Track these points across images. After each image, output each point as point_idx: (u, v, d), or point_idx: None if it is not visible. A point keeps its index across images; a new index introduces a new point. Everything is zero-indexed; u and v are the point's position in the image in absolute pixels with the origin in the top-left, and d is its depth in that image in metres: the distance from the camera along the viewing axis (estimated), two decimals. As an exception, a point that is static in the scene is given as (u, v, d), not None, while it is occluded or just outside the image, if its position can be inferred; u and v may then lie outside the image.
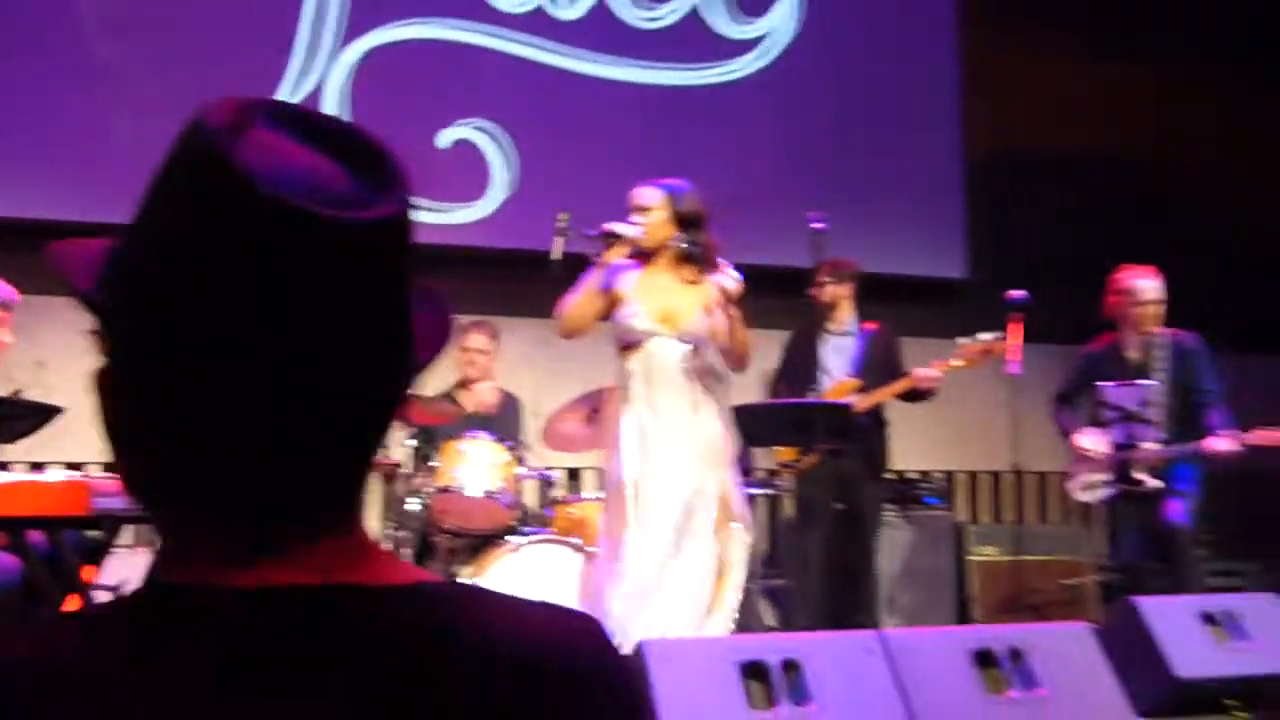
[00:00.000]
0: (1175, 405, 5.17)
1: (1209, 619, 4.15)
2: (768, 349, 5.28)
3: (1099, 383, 5.23)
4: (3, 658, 0.67)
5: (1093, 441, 5.22)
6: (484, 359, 5.43)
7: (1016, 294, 5.22)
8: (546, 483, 5.18)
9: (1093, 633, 3.78)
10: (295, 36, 6.18)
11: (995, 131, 7.18)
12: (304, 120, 0.74)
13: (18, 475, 3.54)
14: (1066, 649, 3.62)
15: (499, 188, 6.38)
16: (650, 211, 3.91)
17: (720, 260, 3.95)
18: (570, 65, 6.58)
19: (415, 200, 0.74)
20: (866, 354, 5.50)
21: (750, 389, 5.76)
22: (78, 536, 3.37)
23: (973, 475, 7.19)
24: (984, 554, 6.31)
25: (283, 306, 0.68)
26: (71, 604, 3.20)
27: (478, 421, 5.23)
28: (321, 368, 0.70)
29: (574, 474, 6.09)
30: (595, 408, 4.52)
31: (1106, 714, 3.53)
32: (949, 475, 6.98)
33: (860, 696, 3.27)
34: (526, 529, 4.91)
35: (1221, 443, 4.93)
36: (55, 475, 3.30)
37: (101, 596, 3.43)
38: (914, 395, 5.42)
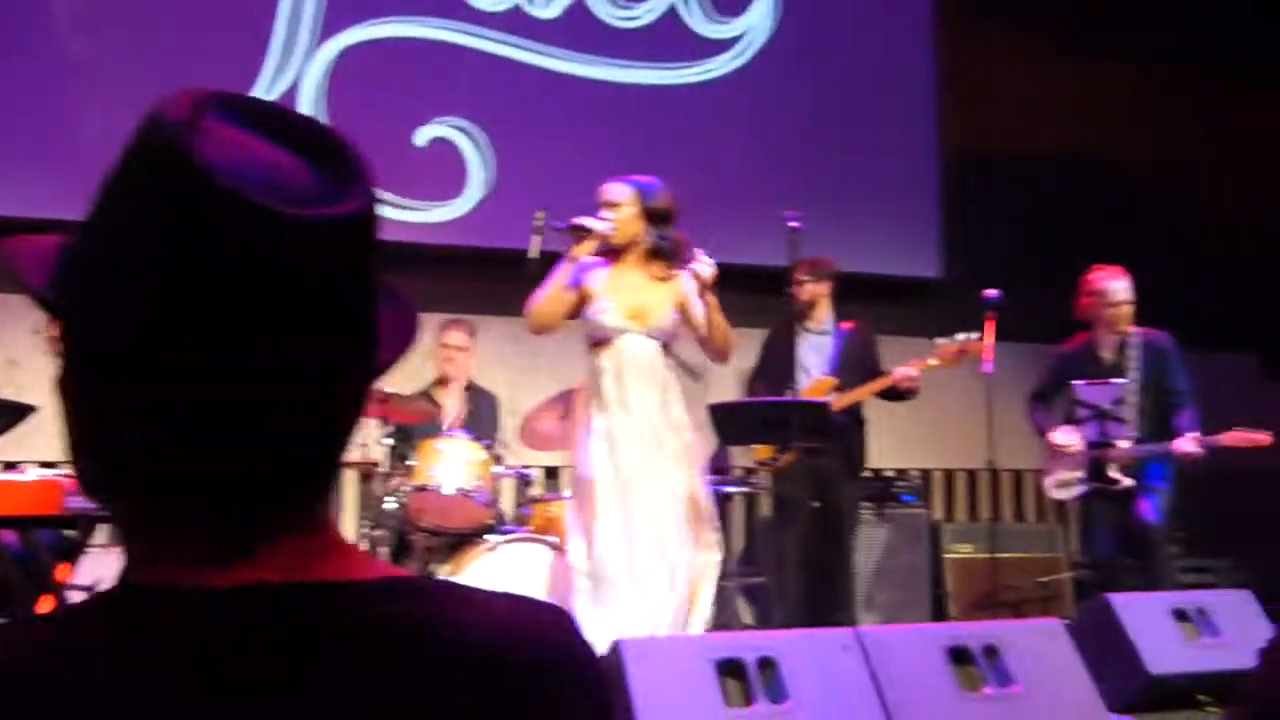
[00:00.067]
0: (1147, 403, 5.23)
1: (1181, 615, 4.19)
2: (745, 347, 5.29)
3: (1073, 381, 5.29)
4: None
5: (1067, 438, 5.26)
6: (463, 356, 5.44)
7: (991, 293, 5.26)
8: (524, 481, 5.17)
9: (1066, 629, 3.81)
10: (271, 34, 6.15)
11: (970, 131, 7.21)
12: (265, 115, 0.72)
13: (-10, 475, 3.51)
14: (1040, 646, 3.65)
15: (476, 186, 6.36)
16: (619, 207, 3.92)
17: (696, 249, 3.96)
18: (548, 64, 6.58)
19: (380, 197, 0.73)
20: (844, 353, 5.52)
21: (728, 387, 5.78)
22: (52, 536, 3.34)
23: (949, 473, 7.22)
24: (960, 551, 6.34)
25: (244, 304, 0.67)
26: (45, 604, 3.18)
27: (456, 419, 5.23)
28: (284, 366, 0.69)
29: (551, 472, 6.09)
30: (571, 406, 4.52)
31: (1080, 710, 3.56)
32: (925, 473, 7.01)
33: (836, 694, 3.28)
34: (504, 527, 4.91)
35: (1189, 445, 4.99)
36: (29, 474, 3.28)
37: (76, 596, 3.41)
38: (893, 394, 5.45)
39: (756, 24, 7.01)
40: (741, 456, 6.04)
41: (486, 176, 6.37)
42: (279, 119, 0.73)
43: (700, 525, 3.91)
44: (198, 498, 0.70)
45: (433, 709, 0.68)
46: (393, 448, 4.88)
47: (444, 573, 4.66)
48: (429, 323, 5.53)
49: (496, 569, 4.56)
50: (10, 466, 3.83)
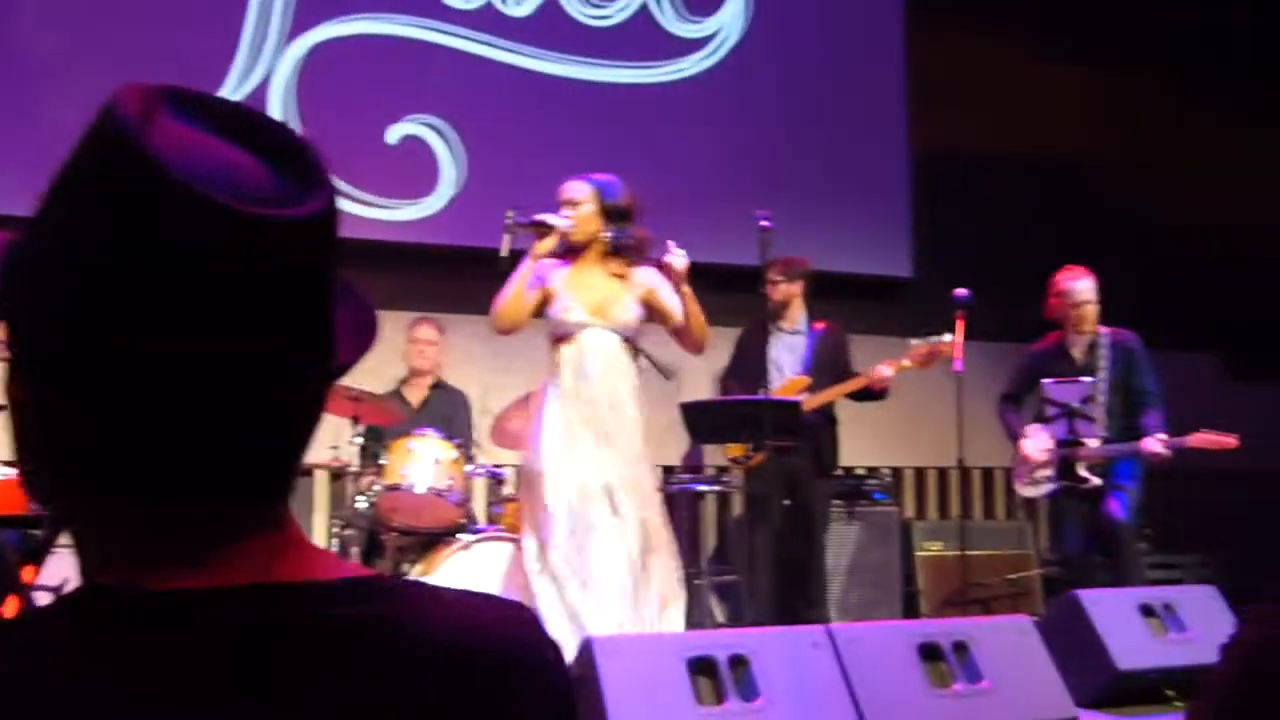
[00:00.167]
0: (1116, 403, 5.28)
1: (1148, 611, 4.23)
2: (717, 347, 5.29)
3: (1042, 380, 5.33)
4: None
5: (1034, 447, 5.31)
6: (433, 350, 5.49)
7: (961, 292, 5.30)
8: (496, 480, 5.17)
9: (1035, 626, 3.84)
10: (241, 30, 6.11)
11: (940, 132, 7.25)
12: (223, 114, 0.71)
13: (-45, 475, 3.48)
14: (1009, 642, 3.68)
15: (447, 184, 6.34)
16: (579, 205, 3.94)
17: (667, 241, 3.98)
18: (520, 62, 6.56)
19: (340, 199, 0.72)
20: (817, 352, 5.55)
21: (701, 386, 5.79)
22: (17, 536, 3.31)
23: (920, 471, 7.26)
24: (931, 549, 6.38)
25: (197, 302, 0.66)
26: (11, 605, 3.15)
27: (426, 419, 5.22)
28: (240, 365, 0.68)
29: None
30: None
31: (1048, 705, 3.59)
32: (896, 472, 7.05)
33: (808, 691, 3.29)
34: (475, 526, 4.90)
35: (1155, 445, 5.04)
36: (-6, 474, 3.25)
37: (43, 597, 3.38)
38: (865, 395, 5.48)
39: (728, 23, 7.03)
40: (714, 455, 6.06)
41: (458, 175, 6.35)
42: (237, 118, 0.72)
43: (661, 546, 3.90)
44: (154, 500, 0.70)
45: (399, 709, 0.68)
46: (363, 447, 4.87)
47: (416, 572, 4.65)
48: (400, 321, 5.52)
49: (468, 568, 4.55)
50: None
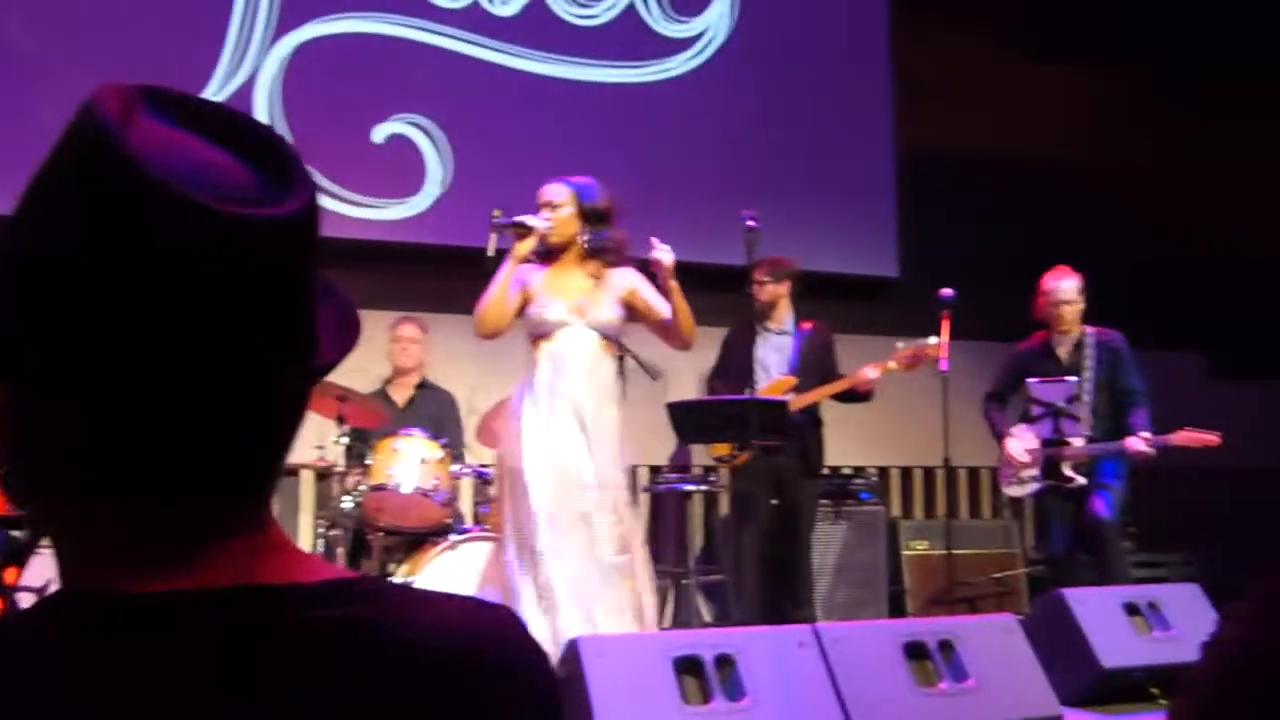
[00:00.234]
0: (1101, 402, 5.31)
1: (1132, 610, 4.25)
2: (704, 347, 5.30)
3: (1028, 379, 5.35)
4: None
5: (1019, 447, 5.33)
6: (416, 348, 5.49)
7: (946, 292, 5.32)
8: (482, 480, 5.16)
9: (1020, 624, 3.86)
10: (227, 29, 6.09)
11: (926, 132, 7.27)
12: (203, 114, 0.71)
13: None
14: (994, 640, 3.69)
15: (434, 184, 6.33)
16: (558, 208, 3.96)
17: (651, 238, 3.98)
18: (506, 62, 6.56)
19: (320, 198, 0.72)
20: (803, 353, 5.56)
21: (688, 386, 5.79)
22: (1, 537, 3.29)
23: (906, 471, 7.27)
24: (917, 548, 6.40)
25: (177, 301, 0.66)
26: (-6, 606, 3.13)
27: (412, 418, 5.21)
28: (221, 365, 0.67)
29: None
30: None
31: (1033, 703, 3.60)
32: (882, 471, 7.06)
33: (794, 691, 3.30)
34: (462, 526, 4.90)
35: (1140, 444, 5.07)
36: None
37: (25, 599, 3.36)
38: (850, 397, 5.50)
39: (714, 23, 7.03)
40: (701, 455, 6.07)
41: (444, 174, 6.34)
42: (216, 118, 0.71)
43: (633, 535, 3.91)
44: (134, 502, 0.69)
45: (383, 712, 0.68)
46: (349, 447, 4.86)
47: (402, 572, 4.64)
48: (386, 320, 5.52)
49: (455, 568, 4.55)
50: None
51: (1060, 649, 3.96)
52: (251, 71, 6.10)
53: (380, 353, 5.45)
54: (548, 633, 3.58)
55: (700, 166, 6.66)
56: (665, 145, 6.64)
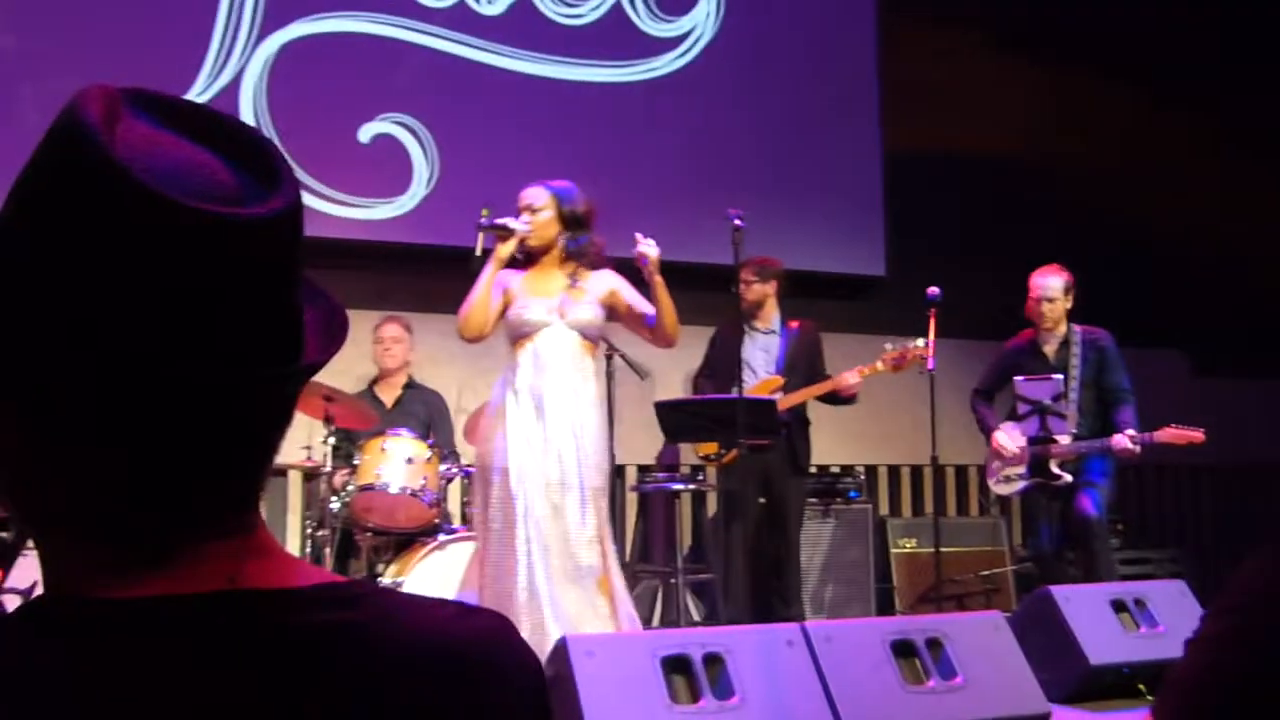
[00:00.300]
0: (1088, 400, 5.33)
1: (1119, 606, 4.26)
2: (690, 345, 5.31)
3: (1015, 377, 5.37)
4: None
5: (1008, 439, 5.35)
6: (399, 348, 5.48)
7: (933, 291, 5.33)
8: (470, 480, 5.15)
9: (1008, 621, 3.87)
10: (212, 28, 6.06)
11: (913, 131, 7.28)
12: (185, 114, 0.71)
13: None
14: (982, 638, 3.70)
15: (420, 183, 6.32)
16: (538, 211, 3.97)
17: (635, 234, 3.99)
18: (492, 61, 6.55)
19: (306, 195, 0.71)
20: (790, 352, 5.57)
21: (675, 385, 5.80)
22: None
23: (893, 469, 7.29)
24: (905, 546, 6.41)
25: (162, 303, 0.65)
26: (-21, 609, 3.12)
27: (400, 418, 5.21)
28: (207, 366, 0.67)
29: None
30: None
31: (1021, 700, 3.61)
32: (870, 469, 7.08)
33: (783, 689, 3.30)
34: (450, 526, 4.89)
35: (1126, 441, 5.09)
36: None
37: (11, 600, 3.35)
38: (835, 398, 5.51)
39: (701, 22, 7.03)
40: (689, 454, 6.07)
41: (431, 173, 6.33)
42: (198, 118, 0.71)
43: (606, 537, 3.91)
44: (121, 506, 0.69)
45: (371, 715, 0.68)
46: (336, 447, 4.85)
47: (390, 572, 4.64)
48: (372, 320, 5.51)
49: (443, 568, 4.54)
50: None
51: (1048, 646, 3.97)
52: (237, 71, 6.08)
53: (366, 353, 5.45)
54: (526, 631, 3.58)
55: (687, 165, 6.66)
56: (652, 144, 6.64)
